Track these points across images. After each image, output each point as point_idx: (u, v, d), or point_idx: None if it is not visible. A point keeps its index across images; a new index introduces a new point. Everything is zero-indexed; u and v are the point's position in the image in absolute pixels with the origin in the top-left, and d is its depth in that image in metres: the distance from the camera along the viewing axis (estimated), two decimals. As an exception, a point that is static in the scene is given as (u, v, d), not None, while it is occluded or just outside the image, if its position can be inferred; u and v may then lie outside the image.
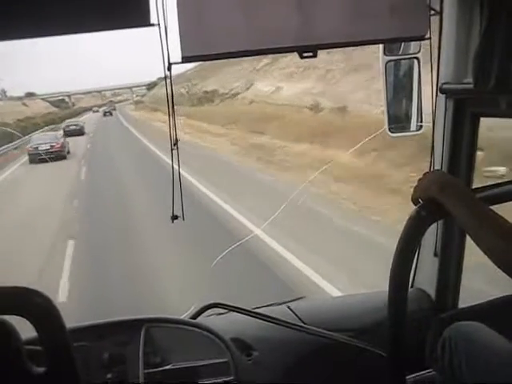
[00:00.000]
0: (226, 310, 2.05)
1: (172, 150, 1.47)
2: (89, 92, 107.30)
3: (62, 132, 28.05)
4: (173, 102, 1.42)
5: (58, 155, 22.00)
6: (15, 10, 1.32)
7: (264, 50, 1.51)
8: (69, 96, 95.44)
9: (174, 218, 1.53)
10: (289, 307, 2.10)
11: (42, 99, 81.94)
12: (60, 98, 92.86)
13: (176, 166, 1.67)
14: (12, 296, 1.21)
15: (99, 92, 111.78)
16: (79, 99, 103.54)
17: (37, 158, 21.73)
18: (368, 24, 1.62)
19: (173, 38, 1.39)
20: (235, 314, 1.99)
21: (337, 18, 1.55)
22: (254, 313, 1.97)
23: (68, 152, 23.52)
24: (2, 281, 1.25)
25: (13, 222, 10.98)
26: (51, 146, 22.86)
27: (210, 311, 2.03)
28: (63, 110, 76.23)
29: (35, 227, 10.51)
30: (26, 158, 23.17)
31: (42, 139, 24.19)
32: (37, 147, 22.96)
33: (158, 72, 1.43)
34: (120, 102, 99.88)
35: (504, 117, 1.80)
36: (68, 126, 33.55)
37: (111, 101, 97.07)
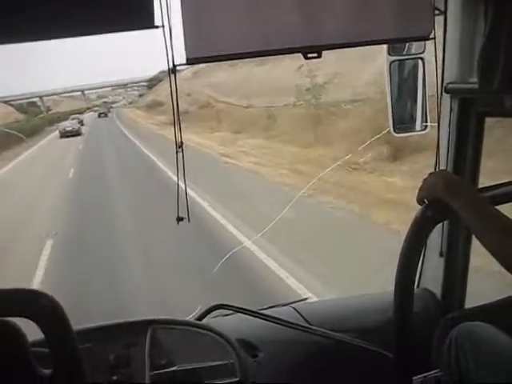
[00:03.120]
0: (231, 312, 2.05)
1: (177, 152, 1.47)
2: (68, 92, 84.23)
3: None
4: (177, 105, 1.42)
5: (76, 133, 38.55)
6: (19, 13, 1.32)
7: (268, 52, 1.51)
8: (41, 98, 72.82)
9: (180, 219, 1.54)
10: (294, 308, 2.10)
11: (5, 102, 62.34)
12: (31, 100, 70.76)
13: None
14: (18, 298, 1.22)
15: (82, 93, 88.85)
16: (58, 102, 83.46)
17: (65, 135, 38.89)
18: (372, 24, 1.61)
19: (175, 39, 1.39)
20: (240, 315, 2.00)
21: (341, 19, 1.55)
22: (260, 314, 1.97)
23: (81, 133, 39.28)
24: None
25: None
26: (73, 128, 40.07)
27: (215, 312, 2.03)
28: (32, 118, 57.96)
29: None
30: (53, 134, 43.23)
31: (68, 124, 41.99)
32: (64, 128, 40.43)
33: (160, 66, 1.31)
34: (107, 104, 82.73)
35: (510, 116, 1.79)
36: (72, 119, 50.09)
37: (105, 102, 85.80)
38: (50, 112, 71.08)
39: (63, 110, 71.49)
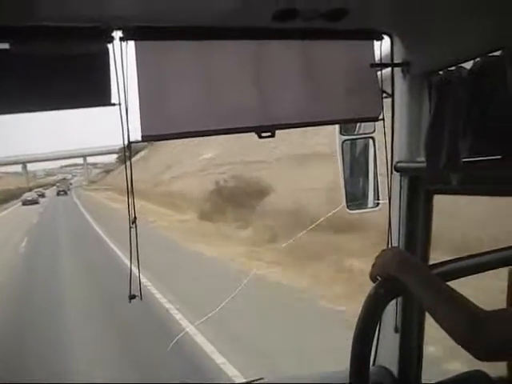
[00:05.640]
0: None
1: (130, 228, 1.45)
2: (2, 165, 66.92)
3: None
4: (132, 181, 1.42)
5: (35, 202, 49.90)
6: None
7: (223, 130, 1.54)
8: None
9: (132, 297, 1.50)
10: None
11: None
12: None
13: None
14: None
15: (23, 166, 72.14)
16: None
17: (26, 203, 49.48)
18: (325, 106, 1.69)
19: (132, 115, 1.41)
20: None
21: (295, 100, 1.61)
22: None
23: (39, 202, 51.03)
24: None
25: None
26: (32, 198, 51.78)
27: None
28: None
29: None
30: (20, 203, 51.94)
31: (28, 195, 53.39)
32: (25, 198, 51.62)
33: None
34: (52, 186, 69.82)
35: (456, 194, 1.86)
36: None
37: (64, 178, 76.34)
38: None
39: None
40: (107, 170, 67.33)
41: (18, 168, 76.28)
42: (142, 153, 51.25)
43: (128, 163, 1.42)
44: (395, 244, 1.89)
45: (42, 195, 57.39)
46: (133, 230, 1.47)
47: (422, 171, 1.77)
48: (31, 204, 47.41)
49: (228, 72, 1.54)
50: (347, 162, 2.09)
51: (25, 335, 8.26)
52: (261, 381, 2.24)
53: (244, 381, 2.19)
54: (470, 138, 1.53)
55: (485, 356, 1.26)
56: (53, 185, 72.83)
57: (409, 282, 1.33)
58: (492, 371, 1.71)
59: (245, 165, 25.51)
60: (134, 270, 1.54)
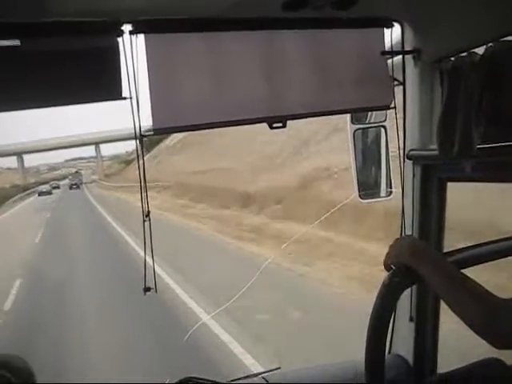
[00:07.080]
0: None
1: (144, 221, 1.46)
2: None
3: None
4: (144, 175, 1.43)
5: (49, 193, 56.88)
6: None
7: (234, 122, 1.54)
8: None
9: (147, 289, 1.51)
10: (265, 378, 2.05)
11: None
12: None
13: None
14: None
15: (19, 159, 64.70)
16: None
17: (41, 194, 56.07)
18: (335, 95, 1.68)
19: (143, 107, 1.42)
20: None
21: (305, 90, 1.61)
22: None
23: (52, 192, 58.47)
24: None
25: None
26: (46, 189, 58.96)
27: None
28: None
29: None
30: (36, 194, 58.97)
31: (43, 188, 59.77)
32: (41, 190, 57.98)
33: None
34: (57, 180, 66.91)
35: (470, 181, 1.85)
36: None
37: (77, 172, 72.98)
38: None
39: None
40: (126, 160, 57.56)
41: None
42: (180, 135, 37.91)
43: (141, 156, 1.43)
44: (409, 232, 1.88)
45: (57, 187, 66.24)
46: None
47: (434, 159, 1.76)
48: (45, 195, 55.61)
49: (238, 63, 1.54)
50: (359, 152, 2.08)
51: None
52: (277, 371, 2.25)
53: (260, 371, 2.19)
54: (483, 124, 1.51)
55: (501, 344, 1.26)
56: (58, 180, 71.86)
57: (423, 271, 1.33)
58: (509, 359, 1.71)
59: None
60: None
